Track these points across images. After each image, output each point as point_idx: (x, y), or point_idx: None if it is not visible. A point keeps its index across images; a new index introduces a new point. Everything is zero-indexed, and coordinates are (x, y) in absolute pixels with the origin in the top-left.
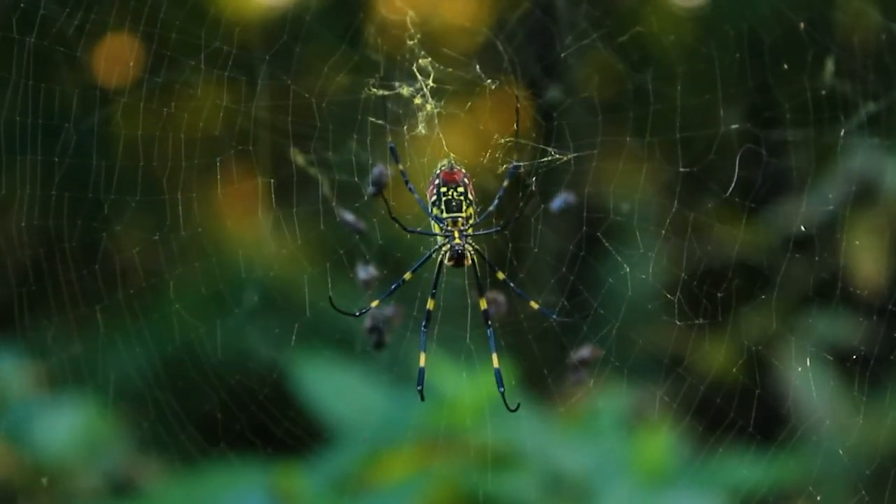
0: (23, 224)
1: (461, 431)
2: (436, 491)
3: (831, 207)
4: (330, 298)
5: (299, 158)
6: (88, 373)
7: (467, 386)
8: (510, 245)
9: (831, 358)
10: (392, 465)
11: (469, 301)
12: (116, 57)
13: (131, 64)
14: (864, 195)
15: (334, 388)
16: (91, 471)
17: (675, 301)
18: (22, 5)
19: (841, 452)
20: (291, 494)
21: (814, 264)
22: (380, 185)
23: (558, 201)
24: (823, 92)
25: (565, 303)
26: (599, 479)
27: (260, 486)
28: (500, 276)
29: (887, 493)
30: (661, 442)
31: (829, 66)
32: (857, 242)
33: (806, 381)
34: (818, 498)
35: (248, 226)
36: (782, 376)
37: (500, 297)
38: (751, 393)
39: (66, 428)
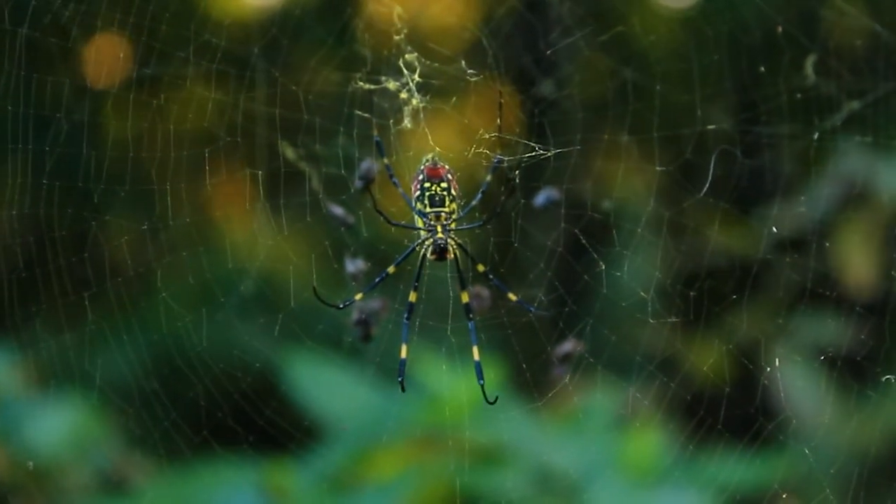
0: (14, 213)
1: (448, 428)
2: (425, 487)
3: (818, 216)
4: (314, 290)
5: (288, 151)
6: (77, 364)
7: (450, 383)
8: (492, 240)
9: (803, 358)
10: (382, 461)
11: (451, 294)
12: (107, 49)
13: (121, 56)
14: (851, 196)
15: (320, 382)
16: (81, 468)
17: (649, 299)
18: None
19: (810, 451)
20: (282, 491)
21: (798, 264)
22: (367, 180)
23: (541, 197)
24: (799, 95)
25: (542, 298)
26: (587, 476)
27: (250, 483)
28: (481, 268)
29: (862, 492)
30: (649, 439)
31: (809, 65)
32: (841, 244)
33: (787, 382)
34: (793, 495)
35: (236, 217)
36: (767, 376)
37: (485, 292)
38: (734, 391)
39: (56, 425)
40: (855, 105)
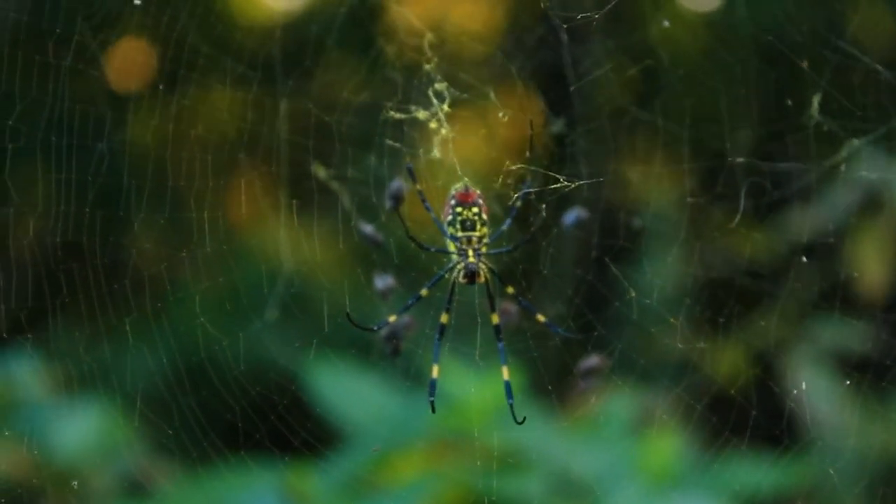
0: (58, 240)
1: (470, 435)
2: (445, 493)
3: (832, 227)
4: (348, 315)
5: (321, 172)
6: (104, 377)
7: (476, 390)
8: (520, 267)
9: (830, 364)
10: (402, 467)
11: (479, 319)
12: (141, 77)
13: (161, 87)
14: (870, 204)
15: (348, 393)
16: (106, 472)
17: (679, 325)
18: (57, 30)
19: (838, 456)
20: (304, 496)
21: (825, 274)
22: (397, 200)
23: (571, 216)
24: (826, 128)
25: (571, 323)
26: (606, 483)
27: (272, 487)
28: (511, 290)
29: (890, 497)
30: (669, 445)
31: (815, 103)
32: (860, 250)
33: (814, 387)
34: (819, 500)
35: (270, 241)
36: (782, 387)
37: (512, 308)
38: (752, 402)
39: (83, 429)
40: (857, 143)
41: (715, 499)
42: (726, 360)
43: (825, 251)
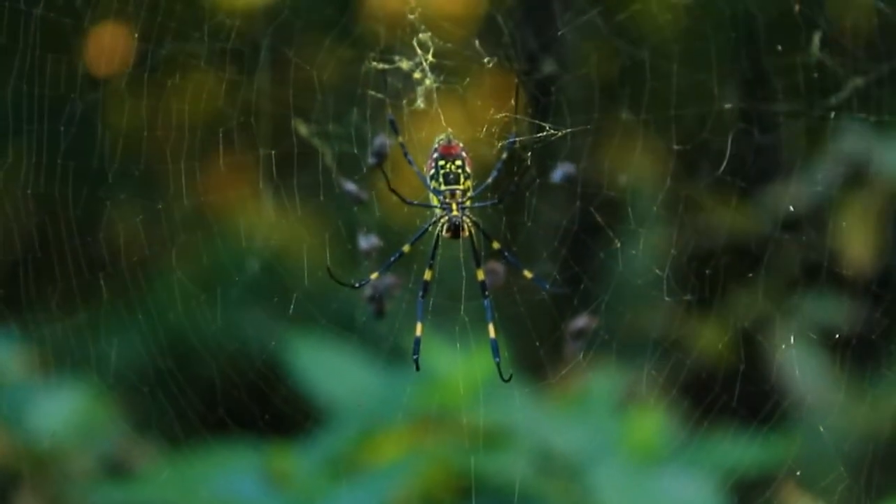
0: (29, 191)
1: (454, 410)
2: (428, 470)
3: (819, 188)
4: (328, 269)
5: (302, 129)
6: (92, 344)
7: (460, 363)
8: (504, 219)
9: (815, 337)
10: (385, 445)
11: (464, 274)
12: (119, 31)
13: (135, 36)
14: (855, 176)
15: (327, 367)
16: (86, 453)
17: (664, 277)
18: None
19: (823, 431)
20: (285, 475)
21: (803, 245)
22: (381, 156)
23: (559, 172)
24: (816, 75)
25: (557, 276)
26: (591, 458)
27: (253, 467)
28: (496, 245)
29: (875, 472)
30: (653, 421)
31: (816, 42)
32: (845, 224)
33: (798, 362)
34: (803, 475)
35: (249, 197)
36: (772, 356)
37: (499, 268)
38: (741, 372)
39: (63, 410)
40: (859, 82)
41: (700, 474)
42: (712, 326)
43: (811, 220)
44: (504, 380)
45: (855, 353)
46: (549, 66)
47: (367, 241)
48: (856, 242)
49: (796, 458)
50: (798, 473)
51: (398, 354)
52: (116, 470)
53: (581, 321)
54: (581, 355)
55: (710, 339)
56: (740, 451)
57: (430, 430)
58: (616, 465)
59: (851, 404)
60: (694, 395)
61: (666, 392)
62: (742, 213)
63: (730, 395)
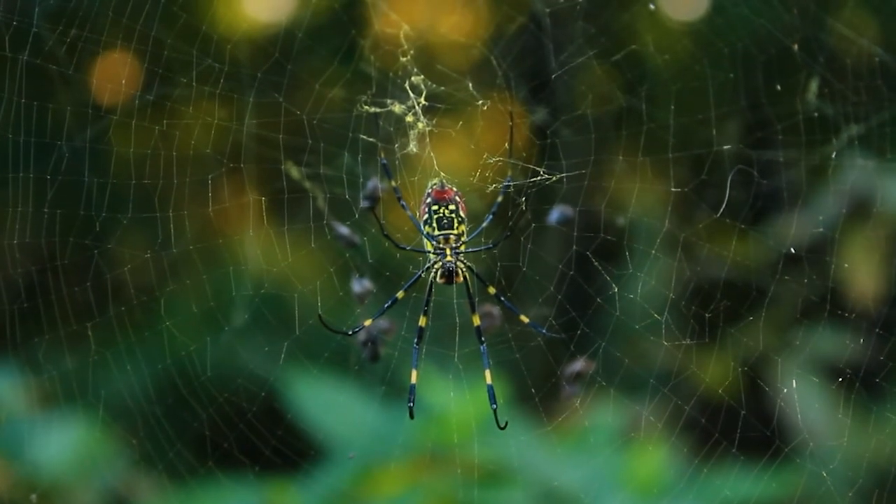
0: (15, 242)
1: (451, 447)
2: None
3: (821, 230)
4: (320, 317)
5: (294, 172)
6: (80, 390)
7: (456, 402)
8: (499, 264)
9: (816, 380)
10: (383, 480)
11: (458, 320)
12: (109, 75)
13: (123, 81)
14: (857, 213)
15: (325, 405)
16: (85, 489)
17: (663, 321)
18: (14, 23)
19: (826, 474)
20: None
21: (805, 283)
22: (373, 199)
23: (555, 214)
24: (816, 114)
25: (553, 322)
26: (592, 494)
27: (254, 502)
28: (492, 290)
29: None
30: (654, 457)
31: (813, 88)
32: (846, 265)
33: (800, 399)
34: None
35: (240, 242)
36: (775, 396)
37: (494, 310)
38: (742, 415)
39: (61, 446)
40: (856, 128)
41: None
42: (713, 366)
43: (814, 257)
44: (500, 427)
45: (859, 394)
46: (543, 109)
47: (360, 285)
48: (859, 278)
49: (804, 489)
50: None
51: (394, 392)
52: None
53: (577, 364)
54: (578, 401)
55: (711, 380)
56: (746, 482)
57: (431, 466)
58: (618, 501)
59: (858, 434)
60: (697, 432)
61: (668, 431)
62: (742, 253)
63: (732, 433)
